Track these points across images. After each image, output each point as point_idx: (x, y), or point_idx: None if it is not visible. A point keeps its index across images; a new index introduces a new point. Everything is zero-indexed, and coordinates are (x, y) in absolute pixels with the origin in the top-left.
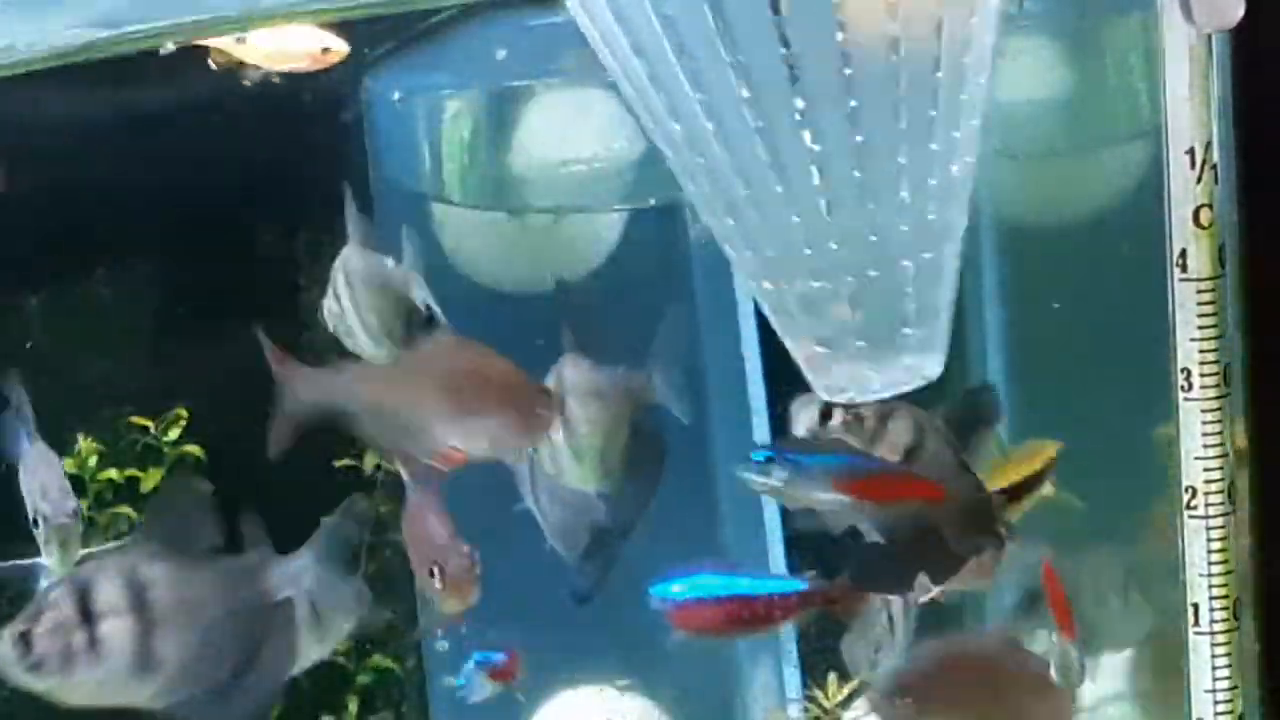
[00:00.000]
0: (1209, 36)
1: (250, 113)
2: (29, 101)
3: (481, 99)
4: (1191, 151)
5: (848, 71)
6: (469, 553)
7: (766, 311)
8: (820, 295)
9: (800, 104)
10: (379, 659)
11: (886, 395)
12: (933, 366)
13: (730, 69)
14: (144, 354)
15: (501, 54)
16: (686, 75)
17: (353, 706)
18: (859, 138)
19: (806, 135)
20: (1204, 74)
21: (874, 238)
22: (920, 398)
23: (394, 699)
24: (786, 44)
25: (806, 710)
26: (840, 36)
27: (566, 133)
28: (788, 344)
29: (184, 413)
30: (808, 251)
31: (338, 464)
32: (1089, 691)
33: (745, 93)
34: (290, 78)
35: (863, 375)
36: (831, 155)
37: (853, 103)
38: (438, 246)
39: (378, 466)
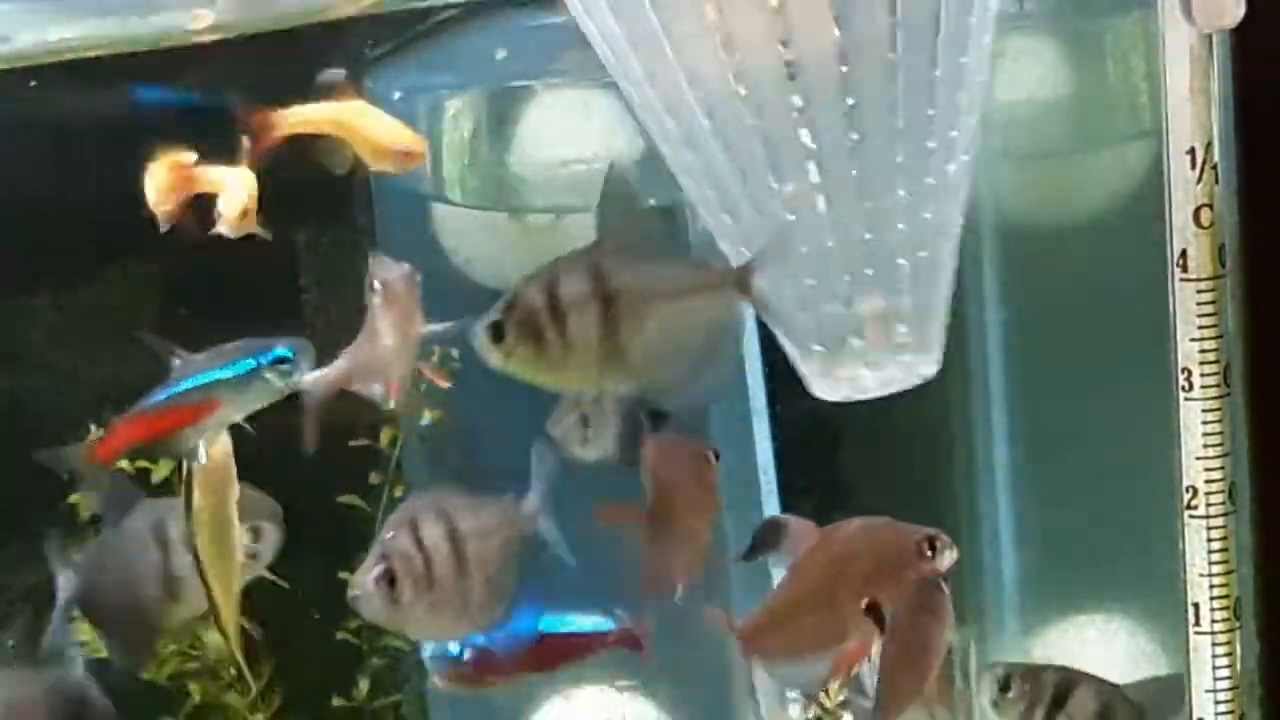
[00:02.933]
0: (1209, 36)
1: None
2: (30, 100)
3: (482, 99)
4: (1192, 151)
5: (845, 69)
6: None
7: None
8: (816, 293)
9: (798, 101)
10: (392, 639)
11: (882, 394)
12: (928, 365)
13: (727, 66)
14: (152, 351)
15: (502, 54)
16: (684, 71)
17: (363, 687)
18: (856, 135)
19: (804, 133)
20: (1204, 74)
21: (870, 236)
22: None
23: (405, 683)
24: (785, 41)
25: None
26: (837, 34)
27: (566, 133)
28: (783, 342)
29: None
30: (804, 249)
31: (353, 444)
32: None
33: (743, 90)
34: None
35: (858, 373)
36: (829, 153)
37: (850, 100)
38: (438, 247)
39: (393, 443)
